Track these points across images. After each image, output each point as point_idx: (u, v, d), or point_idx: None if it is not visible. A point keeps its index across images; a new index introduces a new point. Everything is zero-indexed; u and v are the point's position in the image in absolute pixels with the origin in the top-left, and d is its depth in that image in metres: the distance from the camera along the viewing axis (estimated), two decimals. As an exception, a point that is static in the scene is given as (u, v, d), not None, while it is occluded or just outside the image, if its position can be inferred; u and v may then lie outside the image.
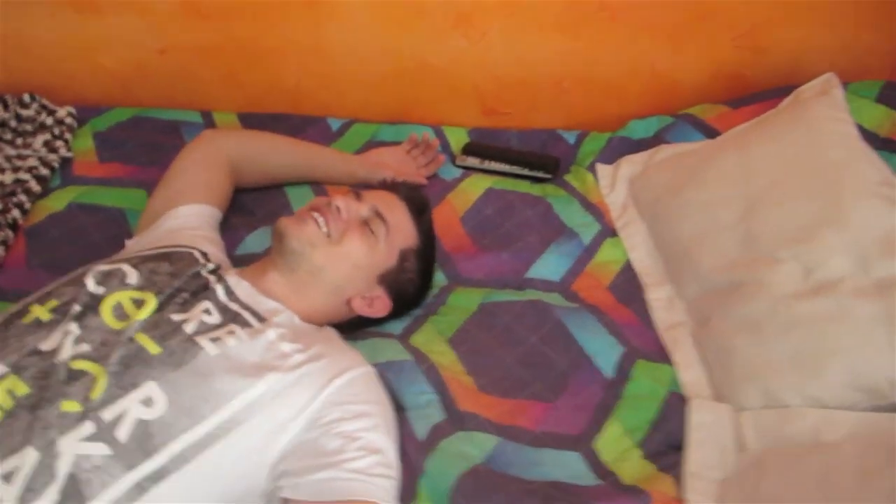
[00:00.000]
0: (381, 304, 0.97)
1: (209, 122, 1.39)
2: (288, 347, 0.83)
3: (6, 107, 1.34)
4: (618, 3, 1.29)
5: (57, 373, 0.72)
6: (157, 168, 1.20)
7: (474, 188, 1.26)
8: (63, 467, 0.67)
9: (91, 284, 0.82)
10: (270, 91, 1.44)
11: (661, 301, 1.08)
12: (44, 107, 1.34)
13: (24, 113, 1.32)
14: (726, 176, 1.06)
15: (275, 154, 1.21)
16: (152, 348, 0.76)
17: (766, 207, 1.00)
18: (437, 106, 1.43)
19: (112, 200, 1.20)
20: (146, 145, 1.32)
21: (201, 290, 0.87)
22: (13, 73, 1.40)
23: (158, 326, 0.79)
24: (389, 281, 0.96)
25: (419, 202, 1.02)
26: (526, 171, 1.31)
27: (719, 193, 1.05)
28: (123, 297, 0.82)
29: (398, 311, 1.01)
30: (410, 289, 1.01)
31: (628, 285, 1.12)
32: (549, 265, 1.13)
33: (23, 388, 0.71)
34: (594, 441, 0.90)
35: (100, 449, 0.69)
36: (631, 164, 1.27)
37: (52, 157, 1.25)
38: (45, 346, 0.75)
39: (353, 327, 0.98)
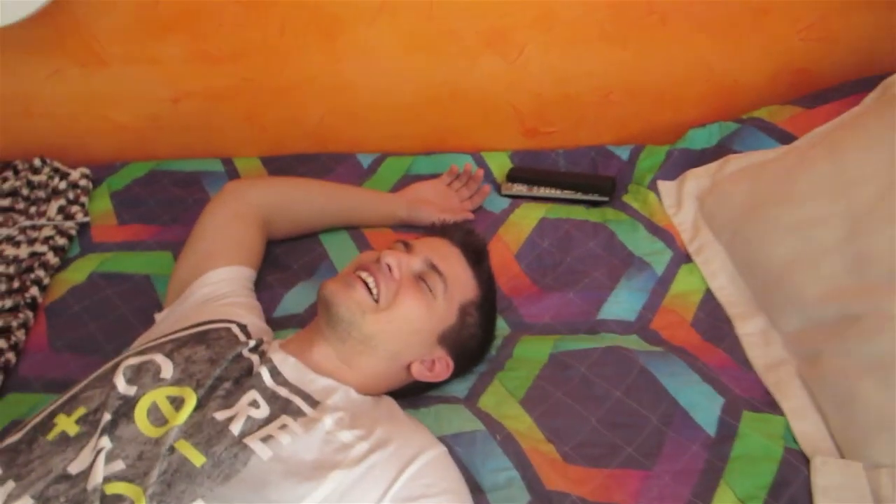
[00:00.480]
0: (442, 367, 0.86)
1: (231, 170, 1.30)
2: (348, 436, 0.73)
3: (17, 174, 1.25)
4: (668, 5, 1.17)
5: (90, 502, 0.61)
6: (180, 226, 1.14)
7: (526, 219, 1.15)
8: None
9: (121, 384, 0.72)
10: (293, 131, 1.35)
11: (755, 336, 0.95)
12: (56, 170, 1.25)
13: (36, 179, 1.24)
14: (821, 189, 0.94)
15: (307, 201, 1.11)
16: (196, 459, 0.66)
17: (877, 224, 0.87)
18: (474, 131, 1.33)
19: (136, 267, 1.11)
20: (167, 202, 1.24)
21: (245, 376, 0.77)
22: (20, 137, 1.32)
23: (201, 429, 0.69)
24: (450, 340, 0.86)
25: (476, 247, 0.91)
26: (580, 196, 1.21)
27: (815, 209, 0.93)
28: (159, 395, 0.71)
29: (461, 371, 0.90)
30: (473, 344, 0.90)
31: (713, 319, 1.00)
32: (622, 303, 1.02)
33: (51, 527, 0.61)
34: (705, 514, 0.78)
35: None
36: (697, 179, 1.15)
37: (69, 224, 1.16)
38: (74, 468, 0.65)
39: (412, 392, 0.88)
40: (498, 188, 1.24)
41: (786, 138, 1.12)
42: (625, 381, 0.89)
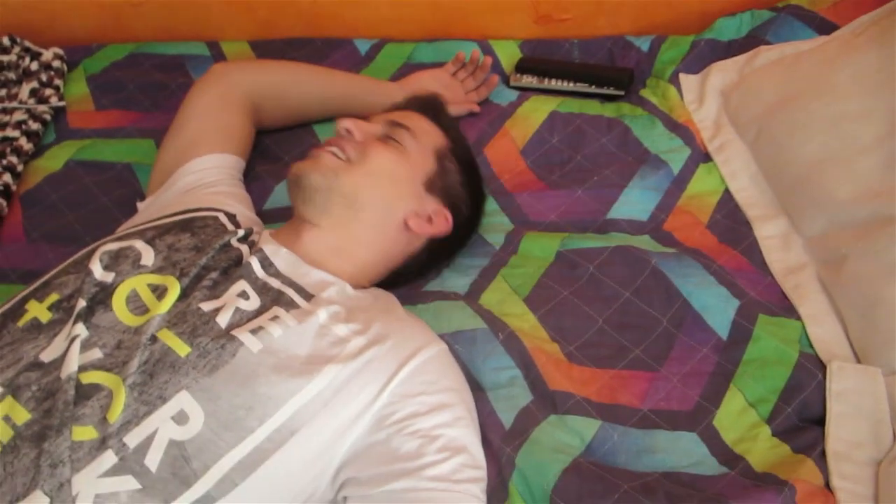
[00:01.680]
0: (441, 220, 0.82)
1: (217, 54, 1.21)
2: (344, 330, 0.69)
3: (-16, 52, 1.15)
4: None
5: (63, 391, 0.58)
6: (163, 112, 1.06)
7: (535, 112, 1.07)
8: (82, 514, 0.54)
9: (98, 270, 0.66)
10: (285, 11, 1.24)
11: (775, 239, 0.90)
12: (27, 50, 1.16)
13: (5, 59, 1.14)
14: (863, 82, 0.85)
15: (299, 87, 1.03)
16: (180, 349, 0.62)
17: (922, 120, 0.80)
18: (481, 17, 1.22)
19: (116, 155, 1.05)
20: (149, 86, 1.16)
21: (233, 266, 0.71)
22: (-14, 12, 1.21)
23: (185, 319, 0.64)
24: (438, 188, 0.82)
25: (427, 101, 0.89)
26: (593, 89, 1.12)
27: (854, 104, 0.85)
28: (139, 283, 0.66)
29: (462, 231, 0.86)
30: (463, 192, 0.85)
31: (731, 221, 0.94)
32: (635, 202, 0.96)
33: (23, 414, 0.57)
34: (713, 417, 0.75)
35: (126, 483, 0.55)
36: (723, 73, 1.06)
37: (43, 108, 1.08)
38: (47, 355, 0.61)
39: (413, 274, 0.84)
40: (506, 79, 1.15)
41: (826, 28, 1.02)
42: (635, 281, 0.85)
